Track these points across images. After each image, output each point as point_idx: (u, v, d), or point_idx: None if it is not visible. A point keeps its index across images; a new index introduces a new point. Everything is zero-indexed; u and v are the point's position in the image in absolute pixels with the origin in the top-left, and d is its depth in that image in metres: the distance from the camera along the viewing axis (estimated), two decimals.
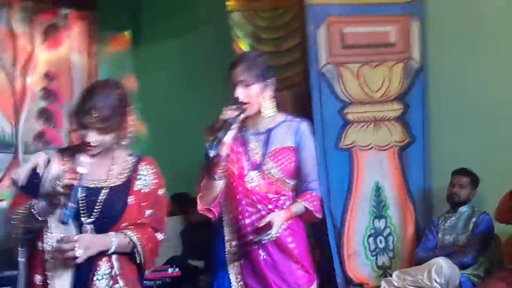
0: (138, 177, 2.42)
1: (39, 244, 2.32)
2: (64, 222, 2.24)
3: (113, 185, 2.38)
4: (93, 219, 2.33)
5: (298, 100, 5.06)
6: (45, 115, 5.05)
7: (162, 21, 6.40)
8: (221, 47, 5.52)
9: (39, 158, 2.36)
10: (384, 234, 4.68)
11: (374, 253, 4.67)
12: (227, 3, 5.10)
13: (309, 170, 2.84)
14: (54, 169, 2.33)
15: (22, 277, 2.33)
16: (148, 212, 2.43)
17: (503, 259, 4.33)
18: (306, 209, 2.81)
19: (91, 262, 2.32)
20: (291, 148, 2.80)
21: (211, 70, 5.94)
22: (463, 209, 4.52)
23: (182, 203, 5.99)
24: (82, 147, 2.33)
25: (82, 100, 2.33)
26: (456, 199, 4.52)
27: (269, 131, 2.80)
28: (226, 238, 2.78)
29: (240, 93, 2.70)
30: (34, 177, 2.33)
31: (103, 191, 2.35)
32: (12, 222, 2.29)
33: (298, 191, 2.85)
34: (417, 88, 4.72)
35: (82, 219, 2.32)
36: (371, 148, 4.68)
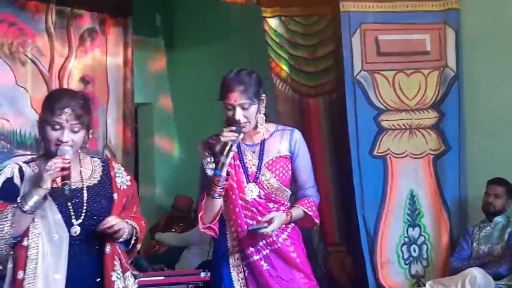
0: (117, 174, 2.54)
1: (25, 240, 2.38)
2: (66, 195, 2.32)
3: (91, 184, 2.49)
4: (81, 220, 2.42)
5: (331, 107, 5.17)
6: None
7: (195, 27, 6.45)
8: (253, 55, 5.57)
9: (13, 168, 2.44)
10: (418, 243, 4.68)
11: (407, 262, 4.67)
12: (262, 9, 5.15)
13: (306, 177, 2.89)
14: (28, 174, 2.43)
15: (8, 280, 2.40)
16: (134, 208, 2.57)
17: None
18: (305, 214, 2.85)
19: (98, 259, 2.42)
20: (287, 157, 2.85)
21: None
22: (498, 219, 4.52)
23: None
24: (48, 156, 2.41)
25: (50, 102, 2.44)
26: (491, 209, 4.51)
27: (263, 141, 2.85)
28: (230, 251, 2.81)
29: (240, 115, 2.75)
30: (11, 186, 2.40)
31: (84, 191, 2.45)
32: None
33: (296, 198, 2.90)
34: (452, 96, 4.73)
35: (73, 220, 2.41)
36: (405, 156, 4.69)
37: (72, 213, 2.41)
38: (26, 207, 2.34)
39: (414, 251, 4.67)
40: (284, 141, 2.86)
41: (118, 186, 2.53)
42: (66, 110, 2.40)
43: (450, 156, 4.72)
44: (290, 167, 2.86)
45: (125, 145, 5.07)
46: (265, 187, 2.81)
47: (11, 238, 2.34)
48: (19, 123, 4.64)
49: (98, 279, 2.44)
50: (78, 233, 2.41)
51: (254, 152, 2.84)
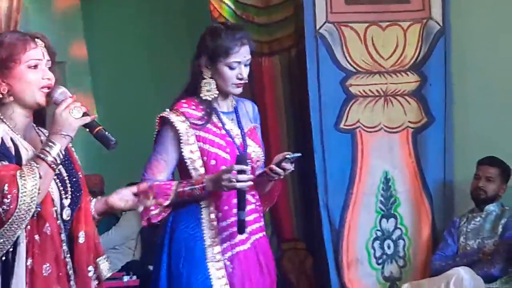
0: (73, 149, 2.50)
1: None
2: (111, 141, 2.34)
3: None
4: (69, 201, 2.37)
5: (290, 68, 5.13)
6: None
7: None
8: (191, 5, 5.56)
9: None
10: (393, 237, 4.68)
11: (380, 261, 4.65)
12: None
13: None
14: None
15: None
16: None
17: None
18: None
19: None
20: (258, 128, 3.05)
21: (179, 30, 6.07)
22: (491, 207, 4.49)
23: None
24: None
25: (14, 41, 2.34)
26: (482, 195, 4.49)
27: (235, 109, 3.01)
28: (207, 243, 2.86)
29: (246, 72, 2.91)
30: (5, 149, 2.29)
31: (61, 167, 2.38)
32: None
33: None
34: (437, 55, 4.70)
35: (63, 201, 2.35)
36: (379, 130, 4.67)
37: (62, 192, 2.35)
38: (50, 158, 2.23)
39: (389, 247, 4.66)
40: (250, 110, 3.05)
41: (79, 163, 2.49)
42: (40, 41, 2.31)
43: (433, 130, 4.71)
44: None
45: None
46: (253, 160, 2.93)
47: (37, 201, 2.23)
48: None
49: None
50: (69, 217, 2.36)
51: (232, 120, 2.97)
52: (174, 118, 2.85)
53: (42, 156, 2.23)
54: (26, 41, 2.30)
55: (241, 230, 2.80)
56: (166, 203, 2.83)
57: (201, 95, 2.89)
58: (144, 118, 6.02)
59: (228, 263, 2.86)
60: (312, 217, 4.80)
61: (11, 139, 2.28)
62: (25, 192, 2.17)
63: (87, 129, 2.31)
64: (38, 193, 2.19)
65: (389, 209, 4.64)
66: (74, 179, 2.39)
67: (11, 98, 2.30)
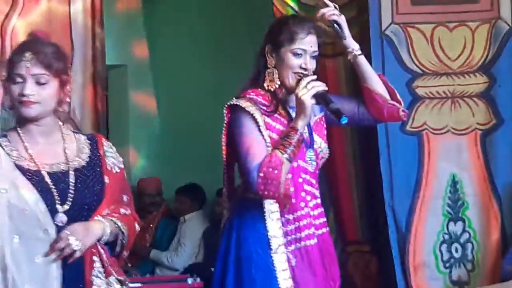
0: (107, 154, 2.56)
1: None
2: None
3: (78, 166, 2.49)
4: (68, 207, 2.44)
5: (352, 70, 4.95)
6: None
7: None
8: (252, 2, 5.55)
9: None
10: (461, 241, 4.63)
11: (448, 265, 4.62)
12: None
13: None
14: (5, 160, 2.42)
15: None
16: (125, 197, 2.59)
17: None
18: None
19: (81, 259, 2.44)
20: (323, 119, 3.00)
21: (243, 33, 6.14)
22: None
23: (201, 196, 6.07)
24: (21, 126, 2.44)
25: (10, 55, 2.48)
26: None
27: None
28: (274, 242, 2.82)
29: (312, 65, 2.85)
30: None
31: (71, 174, 2.46)
32: None
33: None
34: (506, 56, 4.62)
35: (57, 206, 2.42)
36: (446, 132, 4.63)
37: (58, 199, 2.42)
38: None
39: (456, 251, 4.63)
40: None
41: (109, 168, 2.53)
42: (26, 54, 2.39)
43: (502, 132, 4.63)
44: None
45: (95, 119, 4.93)
46: (319, 156, 2.92)
47: None
48: None
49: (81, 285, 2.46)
50: (64, 223, 2.42)
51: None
52: (244, 104, 2.79)
53: None
54: (15, 55, 2.43)
55: (339, 115, 2.76)
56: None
57: (264, 84, 2.85)
58: (204, 119, 6.14)
59: (291, 256, 2.84)
60: (378, 219, 4.78)
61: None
62: None
63: None
64: None
65: (457, 212, 4.61)
66: (86, 190, 2.46)
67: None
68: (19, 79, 2.40)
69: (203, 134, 6.04)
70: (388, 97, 3.05)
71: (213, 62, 6.41)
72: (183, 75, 6.60)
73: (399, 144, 4.55)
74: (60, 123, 2.51)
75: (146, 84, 6.95)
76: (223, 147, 2.90)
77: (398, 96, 3.13)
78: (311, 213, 2.88)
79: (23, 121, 2.47)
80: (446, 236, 4.60)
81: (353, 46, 3.06)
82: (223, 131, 2.88)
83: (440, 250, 4.59)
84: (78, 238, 2.39)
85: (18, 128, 2.47)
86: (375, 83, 3.06)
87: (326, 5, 3.00)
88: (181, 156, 6.50)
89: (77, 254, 2.41)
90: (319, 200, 2.93)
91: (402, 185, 4.57)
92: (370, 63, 4.46)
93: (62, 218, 2.43)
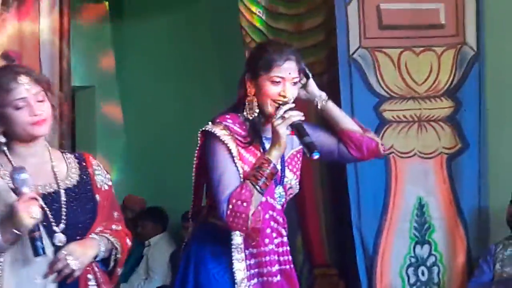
0: (96, 172, 2.59)
1: None
2: (39, 254, 2.35)
3: (70, 185, 2.52)
4: (64, 226, 2.47)
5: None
6: None
7: None
8: (221, 29, 5.58)
9: None
10: (428, 264, 4.66)
11: None
12: None
13: None
14: None
15: None
16: (115, 214, 2.63)
17: None
18: None
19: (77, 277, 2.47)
20: (299, 152, 2.91)
21: (210, 54, 6.12)
22: None
23: (163, 218, 6.04)
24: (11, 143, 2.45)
25: (3, 82, 2.46)
26: None
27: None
28: (238, 275, 2.78)
29: (290, 92, 2.76)
30: None
31: (62, 194, 2.49)
32: None
33: None
34: (472, 81, 4.68)
35: (54, 228, 2.45)
36: (413, 156, 4.66)
37: (52, 220, 2.45)
38: None
39: (423, 274, 4.65)
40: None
41: (99, 186, 2.57)
42: (21, 78, 2.42)
43: (468, 156, 4.68)
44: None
45: (60, 139, 4.86)
46: (288, 192, 2.87)
47: None
48: None
49: None
50: (64, 242, 2.45)
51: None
52: (219, 132, 2.74)
53: None
54: (8, 83, 2.42)
55: (311, 150, 2.69)
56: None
57: (244, 113, 2.79)
58: (172, 134, 6.09)
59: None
60: (345, 242, 4.77)
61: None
62: None
63: None
64: None
65: (423, 235, 4.62)
66: (79, 210, 2.48)
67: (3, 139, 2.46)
68: (22, 103, 2.41)
69: (170, 150, 6.03)
70: (361, 131, 3.01)
71: (179, 80, 6.38)
72: (150, 89, 6.58)
73: (366, 167, 4.49)
74: (46, 142, 2.53)
75: (113, 97, 6.93)
76: (194, 169, 2.88)
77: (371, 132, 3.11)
78: (276, 249, 2.83)
79: (11, 144, 2.47)
80: (413, 259, 4.63)
81: (320, 93, 2.98)
82: (196, 153, 2.85)
83: (407, 273, 4.62)
84: (76, 258, 2.42)
85: (6, 151, 2.47)
86: (347, 122, 3.00)
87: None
88: (148, 168, 6.44)
89: (77, 274, 2.44)
90: (285, 239, 2.86)
91: (370, 208, 4.58)
92: (338, 87, 4.56)
93: (60, 238, 2.45)
